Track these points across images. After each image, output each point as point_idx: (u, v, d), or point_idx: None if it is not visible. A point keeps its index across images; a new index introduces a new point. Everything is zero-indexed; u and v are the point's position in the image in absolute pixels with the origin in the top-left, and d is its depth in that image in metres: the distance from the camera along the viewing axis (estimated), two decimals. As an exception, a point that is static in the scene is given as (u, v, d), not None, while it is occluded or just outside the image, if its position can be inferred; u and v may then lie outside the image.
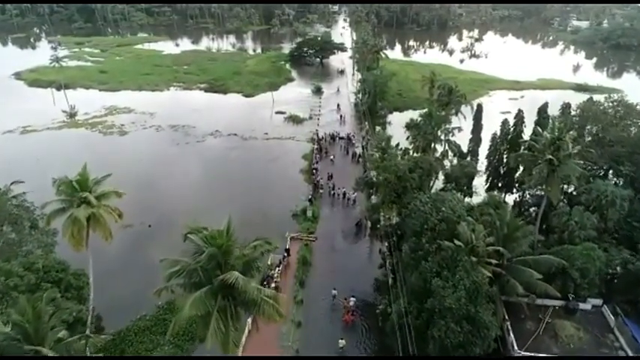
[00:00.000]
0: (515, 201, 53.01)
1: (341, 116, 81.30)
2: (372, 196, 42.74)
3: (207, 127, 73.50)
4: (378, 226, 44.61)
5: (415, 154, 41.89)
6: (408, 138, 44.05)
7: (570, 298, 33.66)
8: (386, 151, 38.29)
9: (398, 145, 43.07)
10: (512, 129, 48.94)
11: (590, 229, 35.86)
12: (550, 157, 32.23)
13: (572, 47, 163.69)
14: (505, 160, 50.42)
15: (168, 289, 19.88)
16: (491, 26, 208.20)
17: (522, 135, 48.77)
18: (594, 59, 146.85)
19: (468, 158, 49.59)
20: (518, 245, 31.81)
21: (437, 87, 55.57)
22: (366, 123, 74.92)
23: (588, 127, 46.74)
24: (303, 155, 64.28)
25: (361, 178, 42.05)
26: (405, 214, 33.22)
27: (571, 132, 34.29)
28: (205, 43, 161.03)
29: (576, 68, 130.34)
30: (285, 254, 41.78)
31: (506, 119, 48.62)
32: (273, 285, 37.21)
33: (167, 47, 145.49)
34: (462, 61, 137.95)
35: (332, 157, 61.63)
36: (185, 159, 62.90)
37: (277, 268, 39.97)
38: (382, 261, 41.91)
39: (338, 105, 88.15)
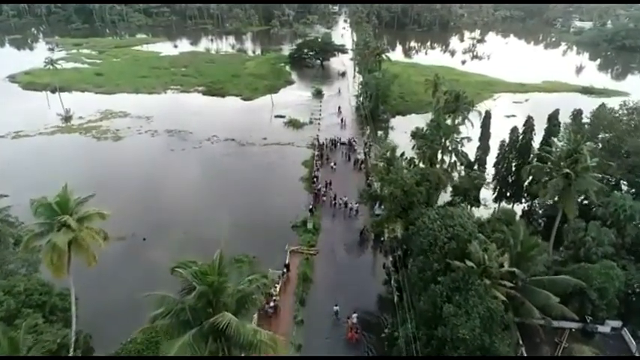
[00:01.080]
0: (523, 210, 51.16)
1: (342, 120, 79.37)
2: (376, 207, 40.59)
3: (205, 132, 71.39)
4: (382, 239, 42.59)
5: (421, 165, 39.81)
6: (413, 147, 42.04)
7: (588, 321, 31.73)
8: (391, 161, 36.28)
9: (403, 154, 41.03)
10: (521, 136, 47.07)
11: (608, 246, 33.87)
12: (567, 170, 30.15)
13: (575, 48, 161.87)
14: (514, 169, 48.62)
15: (153, 329, 17.82)
16: (493, 27, 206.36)
17: (532, 143, 46.89)
18: (599, 61, 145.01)
19: (476, 167, 47.64)
20: (533, 265, 29.84)
21: (443, 93, 53.45)
22: (368, 127, 72.94)
23: (601, 135, 44.66)
24: (303, 162, 62.20)
25: (365, 190, 40.01)
26: (413, 231, 31.18)
27: (588, 143, 32.19)
28: (204, 44, 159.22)
29: (581, 70, 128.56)
30: (285, 270, 39.76)
31: (515, 127, 46.63)
32: (272, 304, 35.28)
33: (165, 48, 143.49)
34: (463, 62, 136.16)
35: (333, 163, 59.56)
36: (180, 166, 60.59)
37: (276, 285, 37.94)
38: (386, 276, 39.91)
39: (339, 108, 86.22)
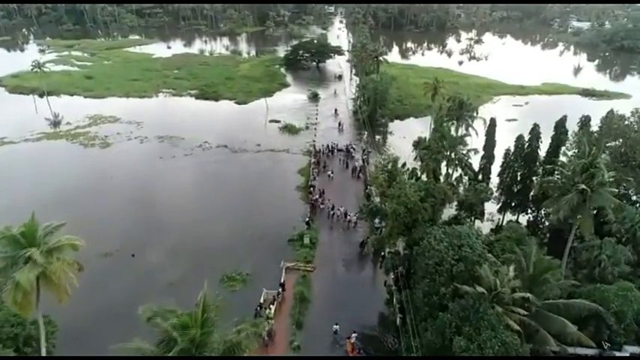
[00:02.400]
0: (528, 221, 49.16)
1: (340, 123, 77.12)
2: (376, 220, 38.30)
3: (197, 137, 68.83)
4: (383, 254, 40.28)
5: (424, 177, 37.63)
6: (415, 158, 39.86)
7: (605, 347, 29.55)
8: (392, 174, 34.06)
9: (404, 165, 38.80)
10: (527, 144, 45.05)
11: (624, 265, 31.82)
12: (583, 187, 28.01)
13: (574, 49, 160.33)
14: (519, 178, 46.63)
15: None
16: (490, 27, 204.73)
17: (538, 151, 44.89)
18: (598, 62, 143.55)
19: (480, 177, 45.56)
20: (547, 289, 27.66)
21: (446, 100, 51.26)
22: (366, 133, 70.73)
23: (612, 143, 42.57)
24: (300, 170, 59.83)
25: (365, 205, 37.69)
26: (417, 251, 28.96)
27: (603, 155, 30.06)
28: (197, 45, 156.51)
29: (581, 72, 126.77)
30: (280, 289, 37.41)
31: (521, 135, 44.57)
32: (267, 328, 32.92)
33: (158, 50, 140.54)
34: (460, 63, 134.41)
35: (330, 172, 57.22)
36: (169, 176, 57.71)
37: (271, 306, 35.62)
38: (388, 295, 37.70)
39: (335, 110, 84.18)
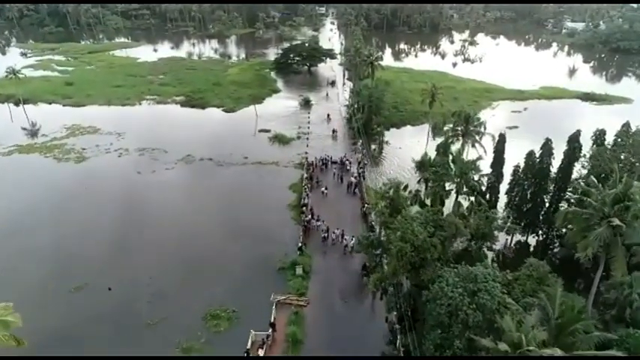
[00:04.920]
0: (538, 241, 45.69)
1: (333, 130, 73.27)
2: (377, 251, 34.39)
3: (180, 149, 64.34)
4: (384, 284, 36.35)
5: (427, 201, 33.81)
6: (419, 181, 36.04)
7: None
8: (395, 201, 30.20)
9: (407, 187, 34.92)
10: (537, 160, 41.51)
11: (658, 304, 28.20)
12: (616, 222, 24.34)
13: (570, 50, 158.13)
14: (529, 197, 43.10)
15: None
16: (483, 28, 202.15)
17: (550, 168, 41.36)
18: (595, 64, 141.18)
19: (487, 196, 41.88)
20: (578, 342, 23.91)
21: (451, 114, 47.53)
22: (360, 140, 66.86)
23: (632, 159, 39.12)
24: (291, 185, 55.67)
25: (364, 237, 33.69)
26: (427, 297, 25.08)
27: (636, 182, 26.41)
28: (185, 48, 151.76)
29: (578, 74, 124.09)
30: (270, 330, 33.35)
31: (532, 151, 40.96)
32: (254, 380, 28.93)
33: (144, 53, 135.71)
34: (454, 65, 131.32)
35: (324, 188, 53.09)
36: (147, 193, 52.98)
37: (260, 351, 31.58)
38: (391, 334, 33.80)
39: (328, 115, 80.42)
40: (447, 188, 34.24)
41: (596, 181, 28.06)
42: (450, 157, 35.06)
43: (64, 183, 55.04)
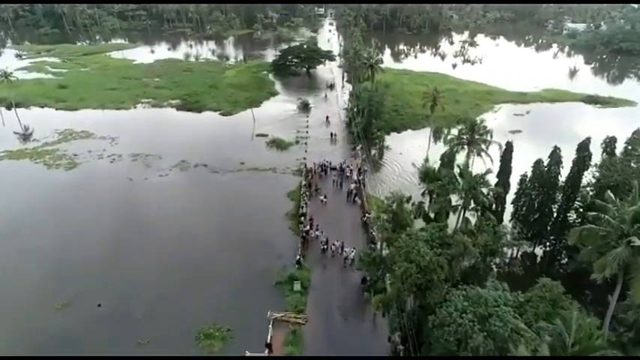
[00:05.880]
0: (545, 252, 44.04)
1: (332, 134, 71.74)
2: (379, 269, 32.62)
3: (175, 155, 62.51)
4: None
5: (431, 214, 32.10)
6: (423, 193, 34.31)
7: None
8: (398, 216, 28.49)
9: (410, 199, 33.18)
10: (545, 169, 39.85)
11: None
12: (638, 242, 22.66)
13: (571, 52, 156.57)
14: (536, 207, 41.45)
15: None
16: (483, 29, 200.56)
17: (559, 178, 39.70)
18: (597, 65, 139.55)
19: (493, 206, 40.17)
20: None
21: (456, 122, 45.81)
22: (360, 145, 65.13)
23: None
24: (289, 193, 53.93)
25: (366, 254, 31.93)
26: (434, 322, 23.36)
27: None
28: (182, 49, 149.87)
29: (580, 76, 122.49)
30: (267, 350, 31.63)
31: (540, 159, 39.29)
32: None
33: (140, 55, 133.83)
34: (454, 66, 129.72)
35: (323, 197, 51.32)
36: (139, 202, 50.95)
37: (255, 374, 29.90)
38: (393, 353, 32.07)
39: (327, 117, 78.97)
40: (454, 203, 32.48)
41: (612, 196, 26.31)
42: (457, 170, 33.29)
43: (51, 192, 52.77)
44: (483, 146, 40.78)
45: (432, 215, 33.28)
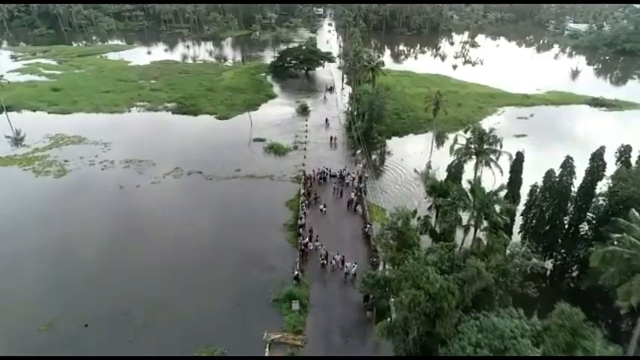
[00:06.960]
0: (555, 266, 41.98)
1: (332, 138, 69.77)
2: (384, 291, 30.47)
3: (169, 161, 60.40)
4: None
5: (437, 228, 30.01)
6: (430, 207, 32.26)
7: None
8: (403, 234, 26.43)
9: (416, 213, 31.09)
10: (557, 179, 37.82)
11: None
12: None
13: (574, 53, 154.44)
14: (547, 219, 39.40)
15: None
16: (484, 29, 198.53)
17: (572, 188, 37.67)
18: (600, 66, 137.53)
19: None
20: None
21: (464, 131, 43.76)
22: (360, 149, 63.09)
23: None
24: (287, 201, 51.89)
25: (369, 275, 29.81)
26: (445, 354, 21.30)
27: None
28: (179, 50, 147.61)
29: (582, 77, 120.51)
30: (263, 376, 29.60)
31: (551, 169, 37.23)
32: None
33: (136, 56, 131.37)
34: (455, 67, 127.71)
35: (322, 206, 49.25)
36: (129, 212, 48.75)
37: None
38: (398, 380, 29.99)
39: (326, 120, 77.10)
40: (464, 223, 30.41)
41: (638, 215, 24.25)
42: (468, 185, 31.21)
43: (38, 201, 50.60)
44: (493, 157, 38.80)
45: (437, 229, 31.23)
